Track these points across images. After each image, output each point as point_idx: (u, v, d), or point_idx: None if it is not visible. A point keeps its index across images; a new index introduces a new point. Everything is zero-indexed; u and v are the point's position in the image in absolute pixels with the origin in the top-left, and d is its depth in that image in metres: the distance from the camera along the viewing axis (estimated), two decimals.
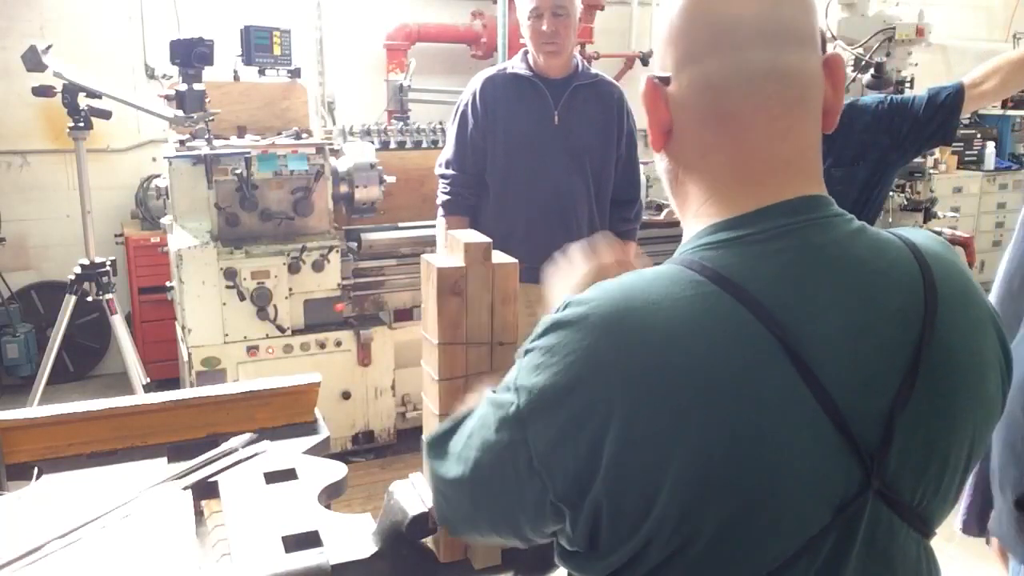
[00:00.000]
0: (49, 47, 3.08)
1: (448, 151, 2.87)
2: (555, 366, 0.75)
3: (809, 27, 0.80)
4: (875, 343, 0.76)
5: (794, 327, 0.73)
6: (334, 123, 4.54)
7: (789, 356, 0.72)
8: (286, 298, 3.55)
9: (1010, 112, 6.87)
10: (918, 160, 4.00)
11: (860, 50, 3.56)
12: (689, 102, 0.81)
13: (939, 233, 3.83)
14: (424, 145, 4.22)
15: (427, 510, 1.16)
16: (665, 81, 0.83)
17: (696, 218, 0.84)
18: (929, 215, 4.36)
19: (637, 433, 0.71)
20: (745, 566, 0.75)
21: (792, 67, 0.78)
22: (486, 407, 0.83)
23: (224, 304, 3.45)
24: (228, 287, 3.42)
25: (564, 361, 0.74)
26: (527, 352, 0.79)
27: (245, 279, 3.45)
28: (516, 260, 1.16)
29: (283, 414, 1.63)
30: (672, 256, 0.82)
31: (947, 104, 2.55)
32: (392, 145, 4.16)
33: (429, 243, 3.67)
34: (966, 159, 6.75)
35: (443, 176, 2.87)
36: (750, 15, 0.78)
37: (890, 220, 4.13)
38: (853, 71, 3.59)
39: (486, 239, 1.14)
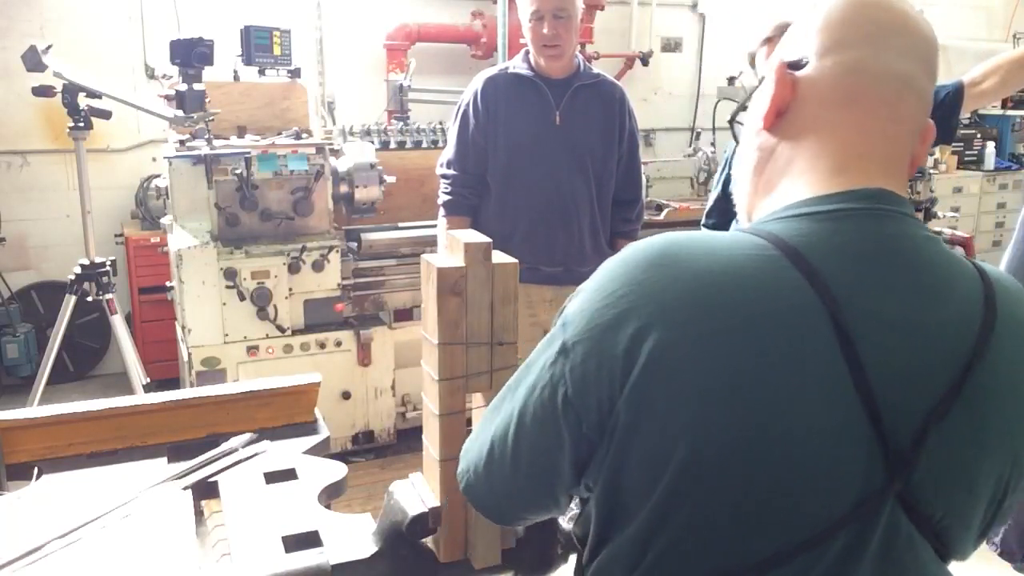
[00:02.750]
0: (49, 47, 3.08)
1: (449, 151, 2.87)
2: (604, 300, 0.77)
3: (935, 78, 0.87)
4: (927, 343, 0.75)
5: (848, 304, 0.73)
6: (334, 123, 4.53)
7: (836, 330, 0.72)
8: (286, 298, 3.55)
9: (1010, 112, 6.87)
10: None
11: None
12: (827, 81, 0.84)
13: (939, 233, 3.84)
14: (424, 145, 4.22)
15: (427, 510, 1.16)
16: (797, 65, 0.86)
17: (777, 196, 0.85)
18: (929, 215, 4.36)
19: (666, 363, 0.73)
20: (748, 539, 0.75)
21: (925, 92, 0.85)
22: (532, 355, 0.87)
23: (224, 304, 3.45)
24: (228, 287, 3.42)
25: (614, 296, 0.77)
26: (579, 293, 0.83)
27: (245, 279, 3.45)
28: (516, 260, 1.15)
29: (283, 414, 1.63)
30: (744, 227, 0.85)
31: (947, 103, 2.54)
32: (392, 145, 4.16)
33: (429, 243, 3.67)
34: (966, 159, 6.75)
35: (444, 176, 2.87)
36: (910, 31, 0.84)
37: None
38: None
39: (486, 239, 1.13)
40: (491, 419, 0.92)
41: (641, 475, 0.76)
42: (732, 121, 1.04)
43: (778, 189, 0.86)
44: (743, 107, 0.96)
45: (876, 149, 0.83)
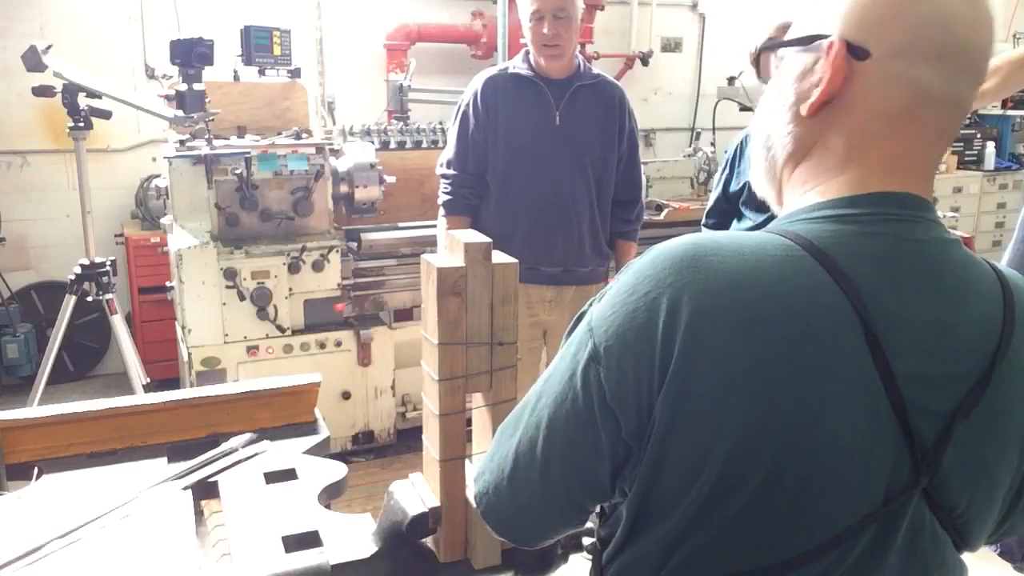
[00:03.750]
0: (49, 47, 3.08)
1: (449, 151, 2.87)
2: (634, 303, 0.76)
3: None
4: (953, 344, 0.76)
5: (875, 306, 0.74)
6: (334, 123, 4.53)
7: (864, 332, 0.73)
8: (286, 298, 3.55)
9: (1010, 112, 6.86)
10: None
11: None
12: (888, 89, 0.79)
13: None
14: (424, 145, 4.22)
15: (427, 510, 1.16)
16: (860, 55, 0.79)
17: (805, 193, 0.84)
18: None
19: (700, 362, 0.72)
20: (780, 537, 0.75)
21: (964, 106, 0.82)
22: (554, 365, 0.85)
23: (224, 304, 3.45)
24: (228, 287, 3.42)
25: (645, 298, 0.76)
26: (603, 296, 0.81)
27: (245, 279, 3.45)
28: (516, 260, 1.15)
29: (283, 414, 1.63)
30: (767, 227, 0.84)
31: None
32: (392, 145, 4.16)
33: (429, 243, 3.67)
34: (966, 159, 6.75)
35: (444, 176, 2.87)
36: (977, 47, 0.80)
37: None
38: None
39: (486, 239, 1.13)
40: (508, 436, 0.89)
41: (677, 476, 0.76)
42: (758, 57, 0.98)
43: (810, 186, 0.84)
44: (780, 44, 0.87)
45: (916, 161, 0.81)
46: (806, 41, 0.83)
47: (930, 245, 0.79)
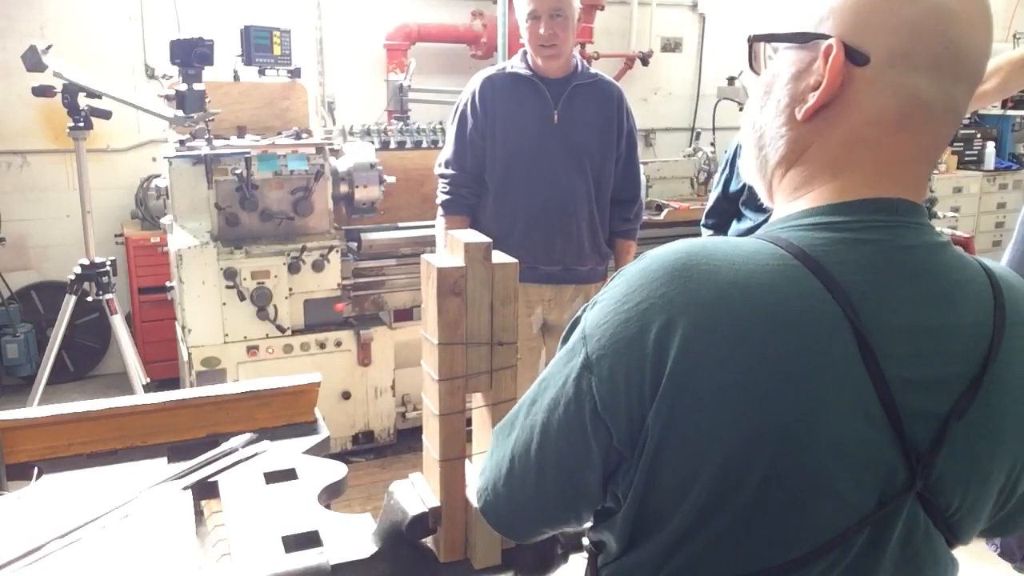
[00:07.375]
0: (49, 47, 3.08)
1: (448, 151, 2.87)
2: (626, 313, 0.76)
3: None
4: (945, 348, 0.77)
5: (867, 313, 0.74)
6: (334, 123, 4.54)
7: (856, 339, 0.73)
8: (286, 298, 3.55)
9: (1010, 112, 6.86)
10: None
11: None
12: (884, 98, 0.78)
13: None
14: (424, 145, 4.22)
15: (427, 510, 1.16)
16: (860, 60, 0.77)
17: (796, 199, 0.84)
18: (929, 215, 4.36)
19: (693, 373, 0.73)
20: (775, 543, 0.75)
21: (960, 110, 0.80)
22: (549, 369, 0.85)
23: (224, 304, 3.45)
24: (228, 287, 3.43)
25: (637, 308, 0.76)
26: (595, 303, 0.81)
27: (245, 279, 3.45)
28: (516, 260, 1.15)
29: (283, 414, 1.63)
30: (757, 232, 0.84)
31: None
32: (392, 145, 4.16)
33: (429, 243, 3.67)
34: (966, 159, 6.75)
35: (443, 176, 2.87)
36: (975, 50, 0.78)
37: None
38: None
39: (486, 239, 1.13)
40: (505, 436, 0.91)
41: (672, 485, 0.76)
42: (750, 48, 0.89)
43: (802, 191, 0.84)
44: (776, 37, 0.84)
45: (909, 167, 0.81)
46: (804, 39, 0.80)
47: (920, 250, 0.79)
